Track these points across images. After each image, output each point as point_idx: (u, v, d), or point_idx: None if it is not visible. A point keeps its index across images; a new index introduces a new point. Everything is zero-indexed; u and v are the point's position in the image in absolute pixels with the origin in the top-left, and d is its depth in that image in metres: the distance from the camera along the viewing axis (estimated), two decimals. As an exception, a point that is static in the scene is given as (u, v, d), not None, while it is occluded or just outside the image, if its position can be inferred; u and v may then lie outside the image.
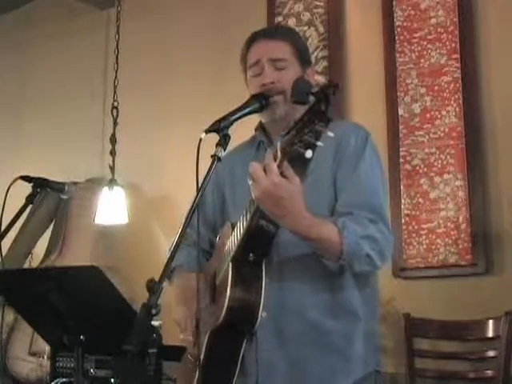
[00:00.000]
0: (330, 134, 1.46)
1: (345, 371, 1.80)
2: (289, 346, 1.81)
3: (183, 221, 2.16)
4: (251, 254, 1.74)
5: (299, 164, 1.54)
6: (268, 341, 1.80)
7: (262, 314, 1.76)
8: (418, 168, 3.31)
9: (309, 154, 1.48)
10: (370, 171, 1.85)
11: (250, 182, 1.60)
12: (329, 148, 1.82)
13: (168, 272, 1.51)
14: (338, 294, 1.82)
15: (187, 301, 1.89)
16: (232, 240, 1.79)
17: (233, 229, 1.82)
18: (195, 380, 1.81)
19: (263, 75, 1.90)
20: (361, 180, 1.83)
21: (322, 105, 1.42)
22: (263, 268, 1.75)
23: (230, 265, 1.75)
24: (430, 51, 3.37)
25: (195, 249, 1.90)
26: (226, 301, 1.71)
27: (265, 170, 1.57)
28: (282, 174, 1.56)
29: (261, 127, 2.02)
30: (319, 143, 1.46)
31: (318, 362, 1.79)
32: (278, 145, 1.54)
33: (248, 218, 1.70)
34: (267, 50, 1.92)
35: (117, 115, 4.25)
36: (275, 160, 1.56)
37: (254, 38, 1.98)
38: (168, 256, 1.53)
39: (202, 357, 1.77)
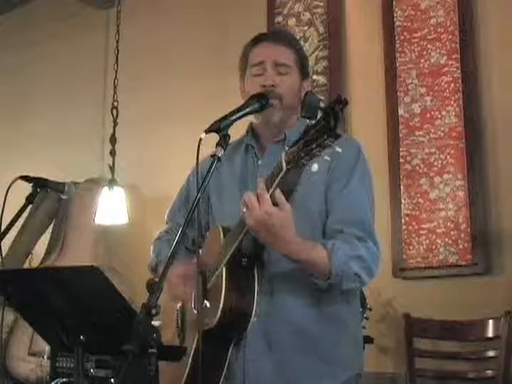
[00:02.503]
0: (338, 149, 1.48)
1: (329, 375, 1.83)
2: (275, 351, 1.82)
3: (167, 218, 2.18)
4: (244, 259, 1.76)
5: (297, 172, 1.56)
6: (256, 346, 1.82)
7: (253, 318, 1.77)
8: (417, 168, 3.31)
9: (315, 168, 1.52)
10: (360, 187, 1.88)
11: (244, 209, 1.65)
12: (323, 163, 1.84)
13: (167, 271, 1.51)
14: (327, 307, 1.85)
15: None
16: (224, 244, 1.80)
17: (225, 233, 1.83)
18: (183, 379, 1.82)
19: (265, 76, 1.90)
20: (351, 197, 1.85)
21: (331, 120, 1.42)
22: (255, 274, 1.77)
23: (224, 270, 1.76)
24: (430, 51, 3.37)
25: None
26: (221, 304, 1.72)
27: (258, 199, 1.62)
28: (273, 203, 1.62)
29: (251, 130, 2.01)
30: (327, 158, 1.48)
31: (303, 366, 1.81)
32: (283, 156, 1.55)
33: (241, 225, 1.72)
34: (273, 53, 1.92)
35: (117, 115, 4.24)
36: (268, 189, 1.61)
37: (260, 39, 1.98)
38: (168, 255, 1.53)
39: (189, 359, 1.78)
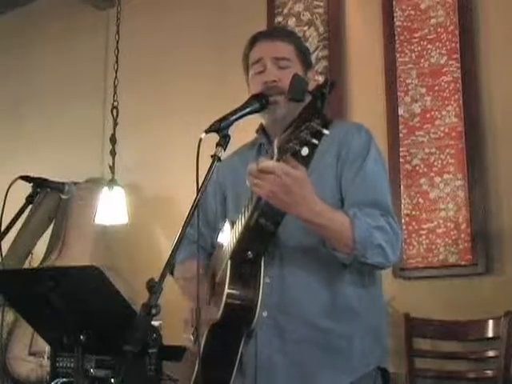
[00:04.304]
0: (326, 131, 1.45)
1: (345, 370, 1.80)
2: (289, 347, 1.80)
3: (184, 221, 2.17)
4: (249, 252, 1.75)
5: (299, 163, 1.54)
6: (268, 341, 1.80)
7: (262, 313, 1.77)
8: (417, 168, 3.31)
9: (305, 151, 1.47)
10: (375, 169, 1.86)
11: (255, 181, 1.59)
12: (331, 147, 1.83)
13: (167, 271, 1.51)
14: (339, 294, 1.81)
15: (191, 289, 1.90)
16: (231, 238, 1.80)
17: (232, 227, 1.82)
18: (194, 375, 1.82)
19: (266, 73, 1.90)
20: (367, 179, 1.83)
21: (318, 102, 1.42)
22: (262, 266, 1.76)
23: (229, 262, 1.76)
24: (429, 51, 3.37)
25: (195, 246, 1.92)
26: (224, 297, 1.72)
27: (264, 171, 1.56)
28: None
29: (262, 129, 2.01)
30: (315, 141, 1.46)
31: (318, 362, 1.79)
32: (275, 142, 1.54)
33: (246, 216, 1.70)
34: (271, 49, 1.92)
35: (117, 115, 4.25)
36: (272, 158, 1.55)
37: (257, 38, 1.98)
38: (168, 256, 1.53)
39: (200, 352, 1.77)
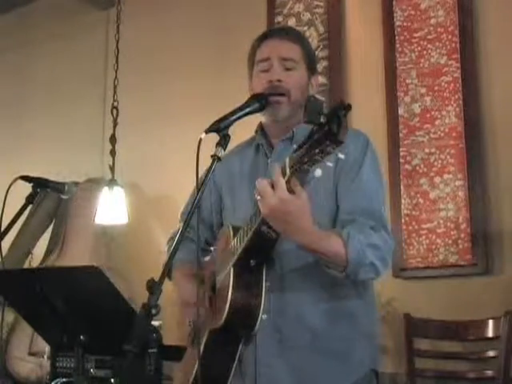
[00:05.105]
0: (341, 155, 1.48)
1: (343, 374, 1.82)
2: (288, 352, 1.81)
3: (180, 218, 2.19)
4: (252, 260, 1.76)
5: (301, 175, 1.54)
6: (268, 345, 1.82)
7: (262, 316, 1.77)
8: (417, 168, 3.31)
9: (318, 173, 1.49)
10: (370, 177, 1.87)
11: (258, 197, 1.60)
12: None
13: (167, 272, 1.51)
14: (339, 303, 1.84)
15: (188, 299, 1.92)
16: (234, 245, 1.80)
17: (235, 233, 1.82)
18: (192, 377, 1.82)
19: (272, 72, 1.90)
20: (362, 187, 1.84)
21: (334, 126, 1.40)
22: (263, 273, 1.77)
23: (232, 270, 1.76)
24: (430, 51, 3.37)
25: (193, 244, 1.96)
26: (228, 305, 1.73)
27: (272, 186, 1.57)
28: (289, 190, 1.56)
29: (261, 129, 2.01)
30: (329, 164, 1.47)
31: (317, 367, 1.81)
32: (287, 161, 1.54)
33: (252, 226, 1.70)
34: (279, 49, 1.93)
35: (117, 115, 4.25)
36: (284, 175, 1.56)
37: (266, 36, 1.99)
38: (168, 256, 1.53)
39: (200, 354, 1.78)
